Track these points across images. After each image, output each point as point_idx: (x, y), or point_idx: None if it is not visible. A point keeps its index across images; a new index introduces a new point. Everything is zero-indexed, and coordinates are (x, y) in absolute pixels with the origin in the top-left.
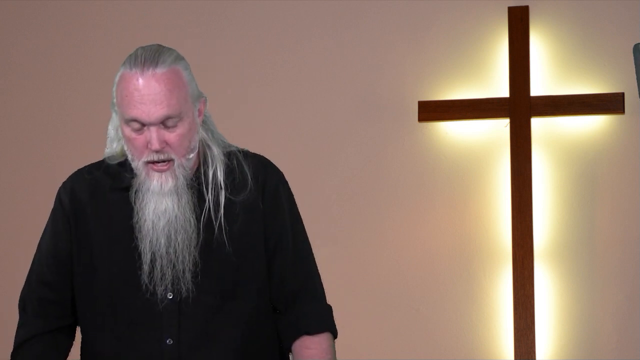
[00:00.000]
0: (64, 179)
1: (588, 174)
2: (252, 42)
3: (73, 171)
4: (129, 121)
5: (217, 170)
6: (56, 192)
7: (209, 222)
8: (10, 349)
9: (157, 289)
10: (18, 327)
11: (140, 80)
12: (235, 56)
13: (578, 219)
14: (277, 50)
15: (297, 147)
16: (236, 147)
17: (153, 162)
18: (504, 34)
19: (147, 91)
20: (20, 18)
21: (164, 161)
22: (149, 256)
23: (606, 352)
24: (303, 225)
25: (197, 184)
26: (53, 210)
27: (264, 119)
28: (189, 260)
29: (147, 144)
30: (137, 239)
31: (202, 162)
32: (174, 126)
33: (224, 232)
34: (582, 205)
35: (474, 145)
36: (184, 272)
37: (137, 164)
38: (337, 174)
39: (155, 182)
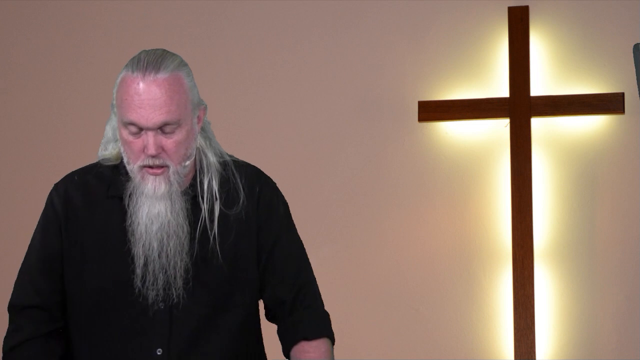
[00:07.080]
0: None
1: (588, 174)
2: (252, 42)
3: (72, 171)
4: (127, 124)
5: (213, 180)
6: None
7: (203, 232)
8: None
9: (149, 293)
10: (7, 333)
11: (141, 85)
12: (235, 56)
13: (578, 219)
14: (277, 50)
15: (297, 147)
16: (230, 157)
17: (149, 167)
18: (504, 34)
19: (147, 96)
20: (20, 18)
21: (159, 166)
22: (142, 260)
23: (606, 352)
24: (297, 232)
25: (192, 192)
26: (44, 213)
27: (264, 119)
28: (181, 267)
29: (143, 148)
30: (130, 242)
31: (199, 170)
32: (172, 132)
33: (217, 243)
34: (582, 205)
35: (474, 145)
36: (175, 277)
37: (133, 167)
38: (337, 174)
39: (149, 185)
